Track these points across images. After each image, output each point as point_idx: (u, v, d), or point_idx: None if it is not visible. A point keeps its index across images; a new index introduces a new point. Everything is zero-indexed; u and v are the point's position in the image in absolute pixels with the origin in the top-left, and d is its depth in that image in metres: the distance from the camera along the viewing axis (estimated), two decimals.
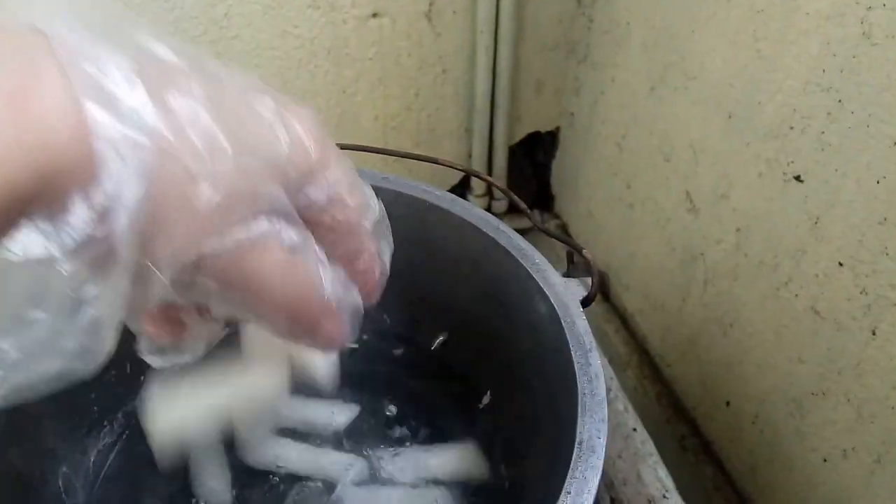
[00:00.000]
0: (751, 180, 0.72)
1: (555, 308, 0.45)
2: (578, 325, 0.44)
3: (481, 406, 0.57)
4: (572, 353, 0.42)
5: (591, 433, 0.38)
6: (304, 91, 0.91)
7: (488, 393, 0.57)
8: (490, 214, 0.52)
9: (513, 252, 0.49)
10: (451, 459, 0.53)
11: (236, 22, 0.84)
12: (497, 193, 1.09)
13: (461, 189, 1.11)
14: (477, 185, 1.07)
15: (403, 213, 0.54)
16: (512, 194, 0.56)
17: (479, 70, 0.95)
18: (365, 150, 0.57)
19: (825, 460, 0.68)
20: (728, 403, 0.82)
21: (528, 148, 1.11)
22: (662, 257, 0.88)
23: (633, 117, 0.88)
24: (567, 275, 0.49)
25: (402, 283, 0.55)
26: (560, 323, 0.44)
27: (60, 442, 0.48)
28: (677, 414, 0.89)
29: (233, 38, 0.85)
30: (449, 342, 0.59)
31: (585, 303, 0.46)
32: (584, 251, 0.49)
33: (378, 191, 0.50)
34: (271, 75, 0.89)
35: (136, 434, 0.53)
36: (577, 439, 0.37)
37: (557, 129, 1.07)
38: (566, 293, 0.46)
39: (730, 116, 0.74)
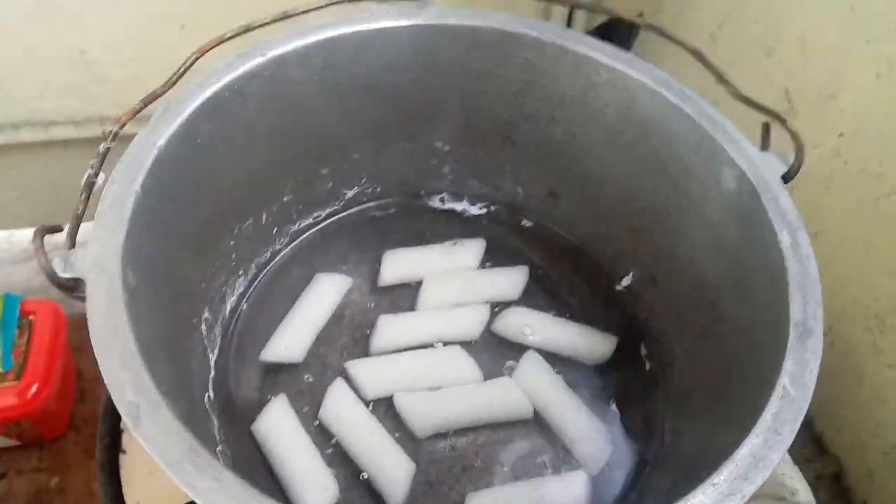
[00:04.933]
0: (867, 81, 0.67)
1: (751, 182, 0.41)
2: (783, 202, 0.40)
3: (619, 288, 0.54)
4: (777, 231, 0.39)
5: (807, 314, 0.36)
6: None
7: (630, 274, 0.54)
8: (673, 78, 0.48)
9: (700, 120, 0.45)
10: (572, 334, 0.51)
11: None
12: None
13: None
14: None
15: (570, 73, 0.50)
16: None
17: None
18: None
19: None
20: None
21: (602, 37, 1.04)
22: None
23: (734, 4, 0.82)
24: (762, 147, 0.45)
25: (549, 154, 0.52)
26: (759, 198, 0.40)
27: (203, 286, 0.47)
28: None
29: None
30: (591, 221, 0.55)
31: (787, 178, 0.42)
32: (787, 122, 0.44)
33: (545, 46, 0.46)
34: None
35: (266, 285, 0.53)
36: (793, 319, 0.35)
37: (640, 14, 1.00)
38: (766, 167, 0.42)
39: (852, 8, 0.68)
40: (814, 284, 0.37)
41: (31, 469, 0.79)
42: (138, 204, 0.36)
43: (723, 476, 0.30)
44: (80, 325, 0.95)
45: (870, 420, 0.72)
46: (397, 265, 0.52)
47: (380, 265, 0.52)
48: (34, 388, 0.74)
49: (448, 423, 0.46)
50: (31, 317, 0.79)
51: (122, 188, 0.36)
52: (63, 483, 0.79)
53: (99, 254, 0.34)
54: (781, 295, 0.37)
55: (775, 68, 0.78)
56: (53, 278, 0.33)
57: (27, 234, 0.85)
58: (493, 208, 0.58)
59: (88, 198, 0.35)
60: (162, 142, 0.39)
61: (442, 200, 0.58)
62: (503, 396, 0.46)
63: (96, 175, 0.36)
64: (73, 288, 0.34)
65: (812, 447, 0.80)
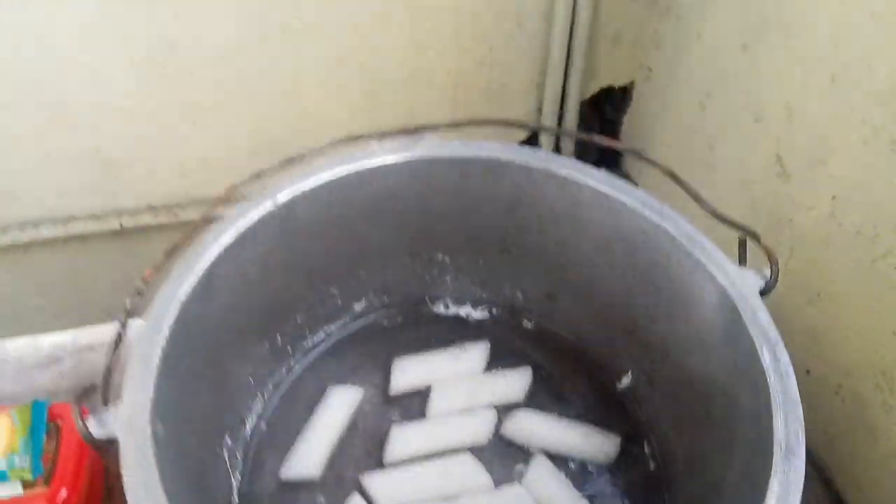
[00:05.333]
0: (853, 147, 0.69)
1: (732, 299, 0.43)
2: (761, 318, 0.42)
3: (620, 387, 0.56)
4: (758, 347, 0.41)
5: (789, 433, 0.37)
6: (378, 46, 0.89)
7: (629, 374, 0.56)
8: (653, 197, 0.50)
9: (680, 238, 0.47)
10: (578, 436, 0.53)
11: None
12: (565, 150, 1.07)
13: (528, 145, 1.08)
14: (546, 142, 1.05)
15: (556, 192, 0.53)
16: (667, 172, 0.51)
17: (556, 23, 0.92)
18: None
19: None
20: (808, 372, 0.80)
21: (596, 103, 1.07)
22: (746, 220, 0.85)
23: (721, 75, 0.85)
24: (740, 262, 0.47)
25: (543, 261, 0.55)
26: (739, 315, 0.42)
27: (224, 415, 0.50)
28: None
29: None
30: (587, 323, 0.57)
31: (764, 292, 0.44)
32: (762, 240, 0.46)
33: (531, 170, 0.50)
34: (346, 28, 0.87)
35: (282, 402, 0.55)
36: (775, 438, 0.37)
37: (631, 83, 1.04)
38: (743, 283, 0.44)
39: (833, 79, 0.70)
40: (794, 403, 0.39)
41: None
42: (163, 358, 0.40)
43: None
44: None
45: (887, 476, 0.72)
46: (406, 374, 0.55)
47: (390, 374, 0.55)
48: (63, 493, 0.76)
49: None
50: (58, 421, 0.82)
51: (147, 345, 0.40)
52: None
53: (130, 413, 0.37)
54: (765, 411, 0.39)
55: (765, 134, 0.80)
56: (90, 440, 0.36)
57: (50, 339, 0.88)
58: (494, 311, 0.60)
59: (117, 353, 0.38)
60: (183, 294, 0.43)
61: (446, 306, 0.61)
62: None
63: (124, 330, 0.39)
64: (108, 447, 0.37)
65: None
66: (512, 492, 0.49)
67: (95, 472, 0.86)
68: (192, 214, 0.99)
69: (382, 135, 0.51)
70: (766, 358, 0.40)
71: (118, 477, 0.88)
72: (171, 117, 0.92)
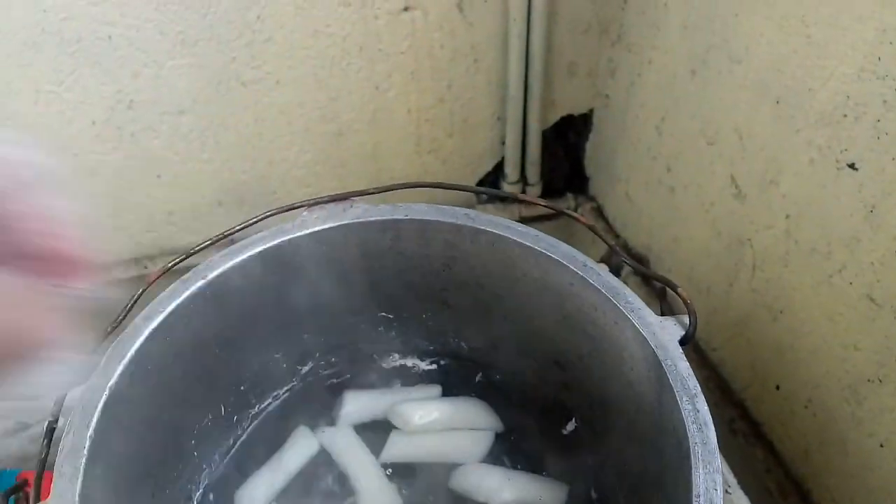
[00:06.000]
0: (801, 167, 0.71)
1: (653, 349, 0.45)
2: (681, 368, 0.43)
3: (565, 433, 0.57)
4: (678, 397, 0.42)
5: (707, 485, 0.38)
6: (338, 89, 0.90)
7: (573, 420, 0.57)
8: (577, 251, 0.52)
9: (603, 289, 0.48)
10: (526, 486, 0.53)
11: (269, 24, 0.83)
12: (531, 178, 1.09)
13: (494, 175, 1.10)
14: (511, 172, 1.07)
15: (487, 249, 0.54)
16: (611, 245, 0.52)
17: (511, 57, 0.94)
18: (424, 186, 0.55)
19: (882, 445, 0.69)
20: (778, 387, 0.82)
21: (559, 131, 1.09)
22: (707, 241, 0.87)
23: (673, 100, 0.87)
24: (661, 313, 0.48)
25: (482, 314, 0.56)
26: (661, 365, 0.43)
27: (168, 492, 0.50)
28: (725, 397, 0.89)
29: (266, 40, 0.84)
30: (530, 370, 0.59)
31: (683, 342, 0.45)
32: (678, 289, 0.48)
33: (460, 229, 0.51)
34: (305, 76, 0.88)
35: (230, 470, 0.55)
36: (695, 492, 0.38)
37: (591, 111, 1.06)
38: (663, 333, 0.45)
39: (778, 102, 0.72)
40: (712, 453, 0.40)
41: None
42: (93, 448, 0.39)
43: None
44: None
45: (861, 488, 0.73)
46: (359, 402, 0.56)
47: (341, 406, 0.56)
48: None
49: None
50: (28, 489, 0.81)
51: (76, 437, 0.40)
52: None
53: None
54: (686, 461, 0.40)
55: (718, 157, 0.82)
56: None
57: (12, 406, 0.87)
58: (442, 363, 0.61)
59: (49, 443, 0.38)
60: (112, 381, 0.43)
61: (393, 359, 0.62)
62: None
63: (56, 421, 0.39)
64: None
65: None
66: None
67: None
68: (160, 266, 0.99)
69: (314, 203, 0.52)
70: (685, 408, 0.41)
71: None
72: (137, 174, 0.93)
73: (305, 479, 0.55)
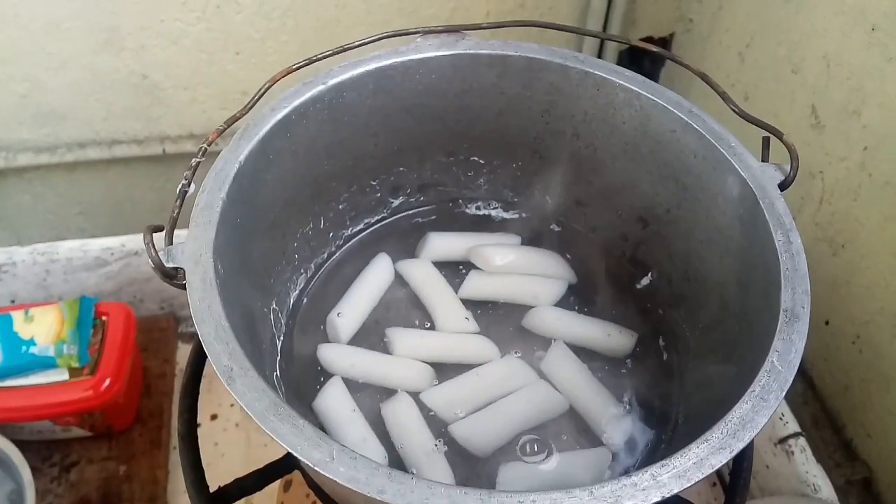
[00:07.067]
0: (888, 98, 0.70)
1: (752, 189, 0.46)
2: (778, 206, 0.44)
3: (639, 287, 0.58)
4: (773, 232, 0.43)
5: (795, 302, 0.39)
6: None
7: (650, 274, 0.58)
8: (684, 98, 0.52)
9: (707, 135, 0.49)
10: (595, 330, 0.55)
11: None
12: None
13: None
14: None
15: (591, 94, 0.55)
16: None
17: None
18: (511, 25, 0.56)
19: None
20: (827, 322, 0.82)
21: (635, 55, 1.08)
22: None
23: (761, 25, 0.85)
24: (763, 158, 0.49)
25: (573, 167, 0.57)
26: (758, 204, 0.45)
27: (272, 280, 0.53)
28: None
29: None
30: (612, 226, 0.59)
31: (783, 186, 0.46)
32: (783, 136, 0.49)
33: (567, 70, 0.52)
34: None
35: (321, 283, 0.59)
36: (782, 308, 0.39)
37: (671, 35, 1.04)
38: (763, 176, 0.46)
39: (873, 29, 0.71)
40: (802, 277, 0.41)
41: (101, 458, 0.86)
42: (224, 209, 0.42)
43: (715, 434, 0.35)
44: (146, 328, 1.02)
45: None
46: (442, 240, 0.59)
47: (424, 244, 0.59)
48: (107, 383, 0.80)
49: (502, 437, 0.51)
50: (104, 317, 0.86)
51: (210, 196, 0.43)
52: (130, 470, 0.85)
53: (195, 248, 0.40)
54: (774, 287, 0.41)
55: (801, 85, 0.81)
56: (160, 267, 0.39)
57: (99, 242, 0.91)
58: (524, 215, 0.62)
59: (182, 204, 0.41)
60: (242, 157, 0.45)
61: (478, 208, 0.63)
62: (543, 400, 0.52)
63: (189, 185, 0.42)
64: (174, 276, 0.40)
65: (842, 452, 0.81)
66: (536, 389, 0.52)
67: (136, 370, 0.91)
68: None
69: (427, 31, 0.53)
70: (779, 240, 0.43)
71: (158, 376, 0.92)
72: (216, 47, 0.94)
73: (385, 305, 0.58)
